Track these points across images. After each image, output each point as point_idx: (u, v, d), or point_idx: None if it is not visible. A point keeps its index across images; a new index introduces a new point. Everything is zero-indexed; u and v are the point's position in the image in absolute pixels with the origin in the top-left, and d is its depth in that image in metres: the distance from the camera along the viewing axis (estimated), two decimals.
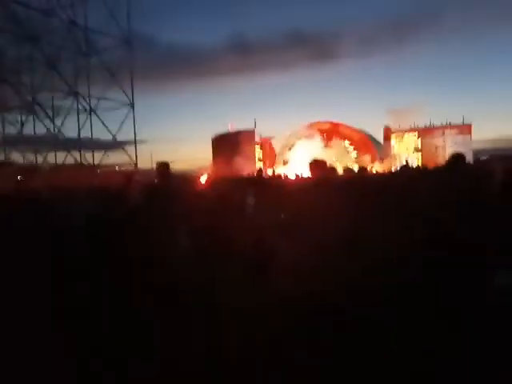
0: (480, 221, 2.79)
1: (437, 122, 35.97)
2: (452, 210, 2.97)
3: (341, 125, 37.97)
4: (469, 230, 2.74)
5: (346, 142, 37.49)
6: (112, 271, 3.23)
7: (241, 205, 5.83)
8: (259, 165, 36.25)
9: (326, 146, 36.42)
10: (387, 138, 38.00)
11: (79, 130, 23.56)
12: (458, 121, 35.18)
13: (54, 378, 2.46)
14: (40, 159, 22.89)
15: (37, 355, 2.50)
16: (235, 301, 2.97)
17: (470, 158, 24.23)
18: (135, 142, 25.58)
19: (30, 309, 2.76)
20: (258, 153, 39.06)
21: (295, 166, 28.45)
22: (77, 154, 22.86)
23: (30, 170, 18.98)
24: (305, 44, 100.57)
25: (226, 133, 38.44)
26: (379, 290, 2.73)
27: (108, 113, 24.66)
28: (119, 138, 25.07)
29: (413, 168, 11.37)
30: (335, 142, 37.16)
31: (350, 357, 2.47)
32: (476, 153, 29.53)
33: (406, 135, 36.89)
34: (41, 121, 22.55)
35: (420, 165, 25.02)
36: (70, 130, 26.03)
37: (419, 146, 36.01)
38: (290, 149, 38.19)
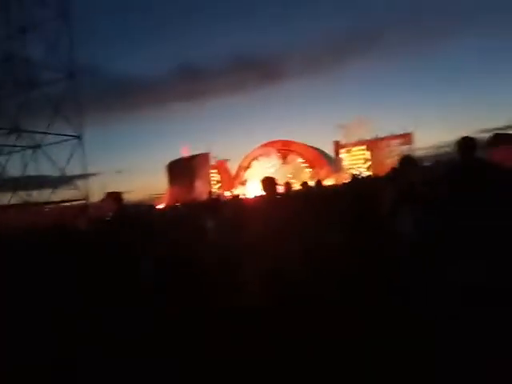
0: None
1: (382, 134, 38.29)
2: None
3: (293, 142, 39.15)
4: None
5: (300, 159, 38.61)
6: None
7: (200, 229, 5.80)
8: (216, 187, 36.31)
9: (284, 162, 37.35)
10: (338, 152, 39.71)
11: (25, 167, 22.36)
12: (401, 131, 37.68)
13: None
14: None
15: None
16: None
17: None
18: (85, 175, 24.61)
19: None
20: (215, 176, 39.14)
21: (253, 185, 28.79)
22: (23, 193, 21.62)
23: None
24: (252, 67, 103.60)
25: (180, 158, 38.22)
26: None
27: (56, 148, 23.66)
28: (69, 172, 24.02)
29: (364, 177, 11.93)
30: (291, 158, 38.19)
31: None
32: (420, 159, 31.46)
33: (355, 148, 38.77)
34: None
35: (371, 174, 26.20)
36: (15, 169, 24.56)
37: (368, 158, 37.93)
38: (245, 169, 38.67)
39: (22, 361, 2.72)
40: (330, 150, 41.09)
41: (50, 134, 23.06)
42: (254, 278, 2.97)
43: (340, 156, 39.19)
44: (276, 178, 3.48)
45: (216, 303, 3.26)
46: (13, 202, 22.11)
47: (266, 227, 2.98)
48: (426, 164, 17.58)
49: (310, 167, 37.91)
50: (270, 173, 31.13)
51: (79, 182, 24.35)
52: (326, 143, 57.89)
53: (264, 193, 3.34)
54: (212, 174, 38.81)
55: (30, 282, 3.45)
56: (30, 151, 23.15)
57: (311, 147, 39.37)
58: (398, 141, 37.50)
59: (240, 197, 11.50)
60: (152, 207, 9.18)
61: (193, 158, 37.52)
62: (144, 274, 3.46)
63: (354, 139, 38.91)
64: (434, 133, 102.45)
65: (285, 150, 38.71)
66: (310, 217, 3.34)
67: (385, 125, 70.82)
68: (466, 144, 3.23)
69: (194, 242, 4.90)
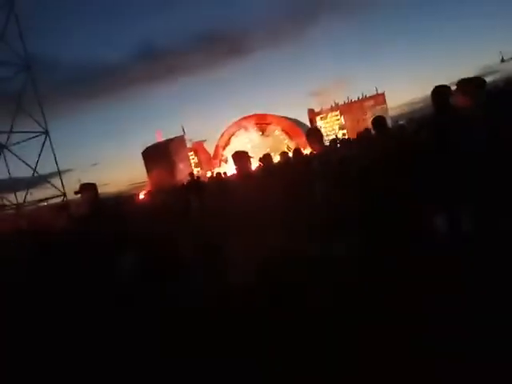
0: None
1: (354, 97, 38.22)
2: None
3: (268, 115, 38.69)
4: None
5: (277, 131, 38.33)
6: None
7: (184, 210, 5.69)
8: (196, 170, 35.81)
9: (263, 135, 36.99)
10: (313, 120, 39.54)
11: None
12: (373, 92, 37.68)
13: None
14: None
15: None
16: None
17: (389, 124, 25.98)
18: (59, 171, 23.79)
19: None
20: (193, 158, 38.52)
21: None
22: None
23: None
24: (216, 42, 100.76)
25: (155, 144, 37.34)
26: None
27: (23, 147, 22.66)
28: (41, 171, 23.17)
29: (341, 140, 11.97)
30: (269, 130, 37.85)
31: None
32: (394, 119, 31.68)
33: (330, 115, 38.66)
34: None
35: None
36: None
37: (343, 123, 37.94)
38: (224, 147, 38.16)
39: None
40: (305, 119, 40.88)
41: (14, 132, 22.08)
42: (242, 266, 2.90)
43: (316, 124, 39.09)
44: (255, 151, 3.38)
45: (202, 301, 3.18)
46: None
47: (242, 208, 2.90)
48: (400, 123, 17.69)
49: (288, 137, 37.69)
50: (249, 147, 30.83)
51: (54, 180, 23.59)
52: (300, 113, 57.65)
53: (236, 167, 3.25)
54: (190, 157, 38.20)
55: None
56: None
57: (286, 118, 39.06)
58: (370, 102, 37.54)
59: (221, 175, 11.36)
60: (124, 199, 8.92)
61: (168, 142, 36.75)
62: (120, 274, 3.29)
63: (328, 105, 38.76)
64: (406, 90, 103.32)
65: (261, 123, 38.27)
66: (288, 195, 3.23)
67: (356, 87, 70.83)
68: (440, 92, 3.20)
69: (177, 229, 4.77)
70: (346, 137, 34.43)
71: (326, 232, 3.13)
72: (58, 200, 22.64)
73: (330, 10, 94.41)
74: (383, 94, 37.66)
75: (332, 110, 38.61)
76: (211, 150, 39.98)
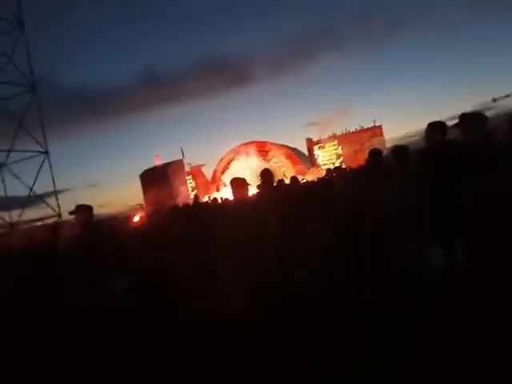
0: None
1: (352, 128, 38.91)
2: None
3: (267, 142, 39.19)
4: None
5: (275, 159, 38.71)
6: None
7: (180, 235, 5.64)
8: (193, 194, 35.85)
9: (264, 160, 37.32)
10: (311, 149, 40.07)
11: None
12: (370, 124, 38.45)
13: None
14: None
15: None
16: None
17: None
18: (55, 192, 23.71)
19: None
20: (190, 182, 38.62)
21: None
22: None
23: None
24: (218, 71, 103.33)
25: (153, 167, 37.52)
26: None
27: (22, 166, 22.67)
28: (38, 190, 23.07)
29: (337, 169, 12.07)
30: (270, 156, 38.25)
31: None
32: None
33: (327, 144, 39.24)
34: None
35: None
36: None
37: (340, 153, 38.44)
38: (223, 172, 38.37)
39: None
40: (303, 148, 41.44)
41: (14, 151, 22.16)
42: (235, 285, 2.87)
43: (314, 153, 39.58)
44: (253, 177, 3.42)
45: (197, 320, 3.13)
46: None
47: (240, 231, 2.90)
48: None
49: (291, 163, 38.01)
50: (247, 173, 31.01)
51: (50, 200, 23.45)
52: (298, 142, 58.43)
53: (233, 193, 3.27)
54: (188, 181, 38.32)
55: None
56: None
57: (285, 146, 39.54)
58: (368, 134, 38.19)
59: (217, 200, 11.33)
60: (118, 221, 8.85)
61: (167, 165, 36.94)
62: (116, 298, 3.23)
63: (326, 135, 39.42)
64: (403, 123, 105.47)
65: (259, 150, 38.71)
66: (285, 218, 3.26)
67: (354, 119, 72.16)
68: (435, 128, 3.25)
69: (172, 251, 4.74)
70: (343, 166, 34.83)
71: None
72: (54, 220, 22.44)
73: (330, 48, 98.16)
74: (380, 127, 38.41)
75: (330, 139, 39.22)
76: (209, 175, 40.22)
